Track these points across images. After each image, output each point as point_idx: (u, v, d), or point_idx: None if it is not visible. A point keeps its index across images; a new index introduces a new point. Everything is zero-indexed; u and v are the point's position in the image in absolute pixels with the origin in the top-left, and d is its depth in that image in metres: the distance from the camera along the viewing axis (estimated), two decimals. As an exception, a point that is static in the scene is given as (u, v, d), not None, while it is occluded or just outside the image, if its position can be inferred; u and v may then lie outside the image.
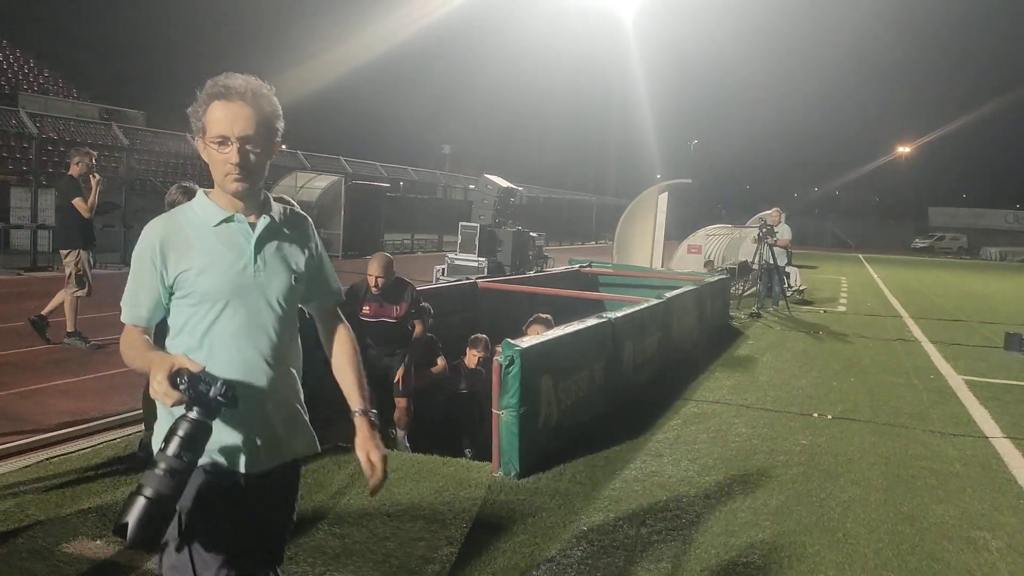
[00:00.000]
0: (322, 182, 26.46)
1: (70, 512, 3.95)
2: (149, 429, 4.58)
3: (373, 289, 5.85)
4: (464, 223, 15.84)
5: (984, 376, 9.11)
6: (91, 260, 8.54)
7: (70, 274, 8.39)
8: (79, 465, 4.65)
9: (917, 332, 12.86)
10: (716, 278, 12.71)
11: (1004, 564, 4.00)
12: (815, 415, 6.87)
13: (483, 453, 5.44)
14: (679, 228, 23.16)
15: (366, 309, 5.90)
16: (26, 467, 4.62)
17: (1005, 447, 6.15)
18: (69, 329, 8.36)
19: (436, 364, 6.44)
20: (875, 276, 28.48)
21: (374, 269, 5.87)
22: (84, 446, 5.04)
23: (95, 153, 8.65)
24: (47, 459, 4.76)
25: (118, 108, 34.28)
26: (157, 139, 25.43)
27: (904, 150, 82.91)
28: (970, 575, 3.88)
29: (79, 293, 8.33)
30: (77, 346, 8.27)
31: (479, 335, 6.61)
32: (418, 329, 6.03)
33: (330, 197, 25.90)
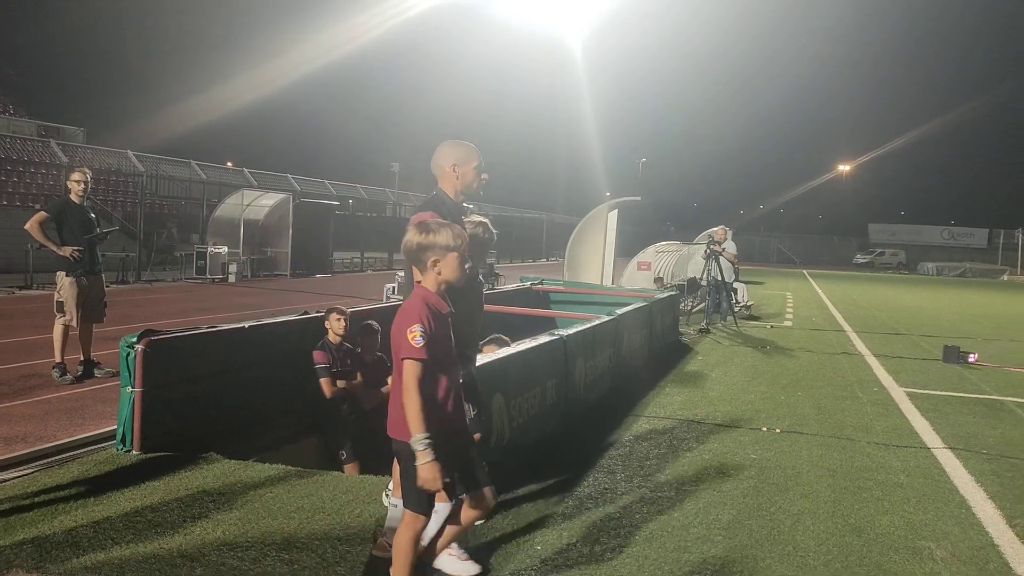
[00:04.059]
0: (269, 200, 26.13)
1: (4, 544, 3.78)
2: None
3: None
4: (414, 241, 15.75)
5: (924, 388, 9.34)
6: (78, 285, 7.94)
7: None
8: (13, 493, 4.46)
9: (860, 346, 13.16)
10: (665, 294, 12.84)
11: (948, 573, 4.08)
12: (764, 429, 6.96)
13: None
14: (629, 245, 23.39)
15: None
16: (-44, 497, 4.42)
17: (946, 458, 6.30)
18: (56, 360, 7.87)
19: (387, 384, 6.36)
20: (819, 291, 29.12)
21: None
22: (18, 474, 4.84)
23: (85, 172, 8.25)
24: (-21, 488, 4.56)
25: (56, 124, 33.47)
26: (97, 156, 24.88)
27: (845, 169, 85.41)
28: (917, 585, 3.94)
29: (60, 319, 7.88)
30: (56, 380, 7.73)
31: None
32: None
33: (278, 215, 25.59)
